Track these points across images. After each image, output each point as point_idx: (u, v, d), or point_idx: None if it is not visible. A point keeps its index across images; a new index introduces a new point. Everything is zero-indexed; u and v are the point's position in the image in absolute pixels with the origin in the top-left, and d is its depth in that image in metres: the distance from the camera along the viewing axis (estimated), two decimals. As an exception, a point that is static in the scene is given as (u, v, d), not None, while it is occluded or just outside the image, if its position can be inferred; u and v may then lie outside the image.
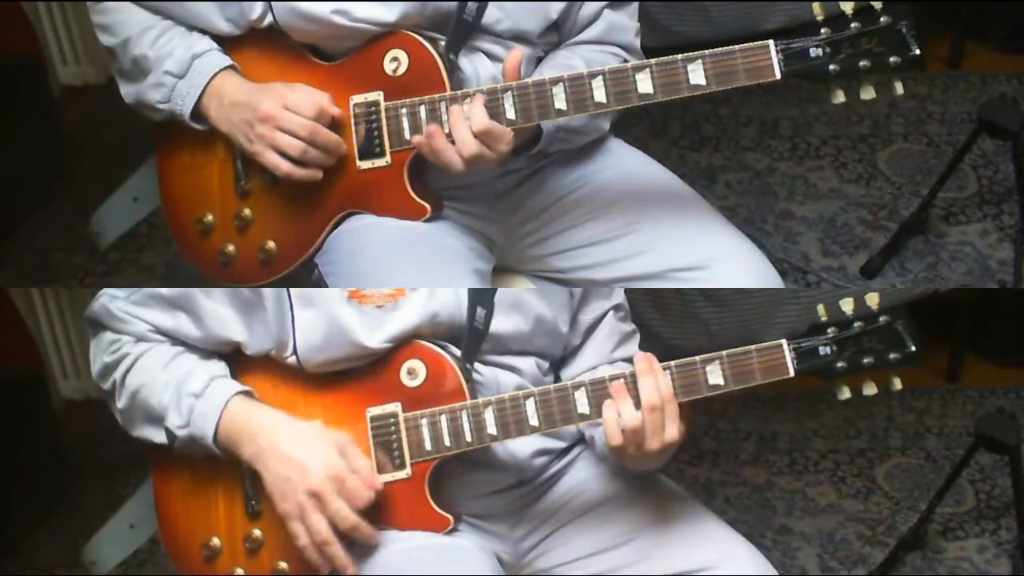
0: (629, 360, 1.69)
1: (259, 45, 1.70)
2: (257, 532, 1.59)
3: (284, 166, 1.64)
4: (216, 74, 1.67)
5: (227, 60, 1.69)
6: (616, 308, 1.71)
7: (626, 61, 1.72)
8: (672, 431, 1.49)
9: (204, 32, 1.70)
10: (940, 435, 2.69)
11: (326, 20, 1.62)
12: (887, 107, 2.88)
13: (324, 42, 1.68)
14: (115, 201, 2.49)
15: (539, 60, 1.74)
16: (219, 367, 1.59)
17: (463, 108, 1.58)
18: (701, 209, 1.78)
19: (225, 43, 1.70)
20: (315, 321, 1.54)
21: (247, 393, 1.57)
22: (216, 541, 1.61)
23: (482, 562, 1.57)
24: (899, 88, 1.54)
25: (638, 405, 1.49)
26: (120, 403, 1.61)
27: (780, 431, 2.73)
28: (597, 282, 1.74)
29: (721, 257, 1.72)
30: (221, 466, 1.59)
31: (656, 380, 1.49)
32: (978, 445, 2.27)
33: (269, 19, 1.66)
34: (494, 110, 1.59)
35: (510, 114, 1.59)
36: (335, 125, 1.65)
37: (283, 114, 1.62)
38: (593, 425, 1.62)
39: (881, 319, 1.50)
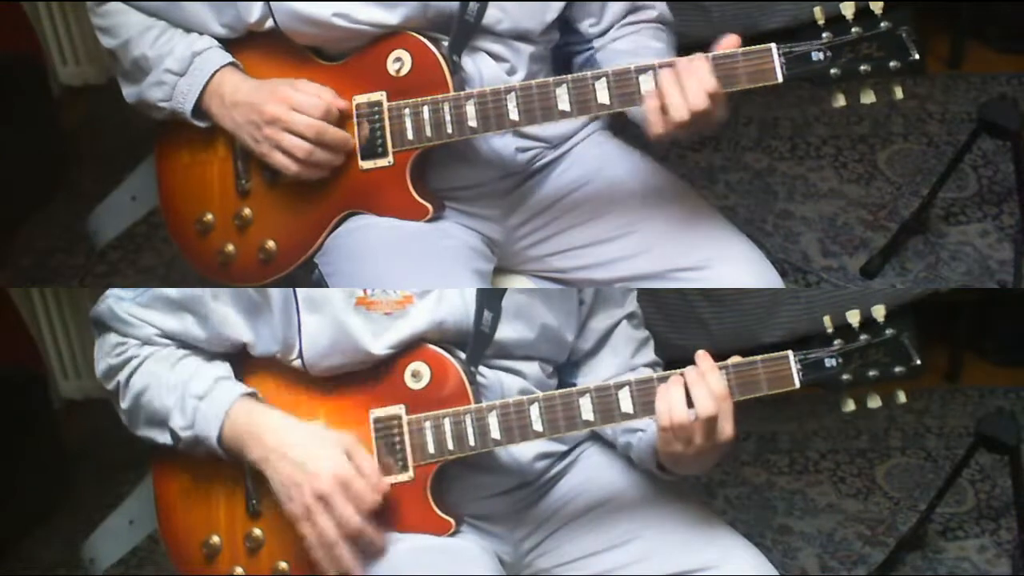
0: (650, 366, 1.69)
1: (262, 45, 1.69)
2: (257, 531, 1.59)
3: (293, 167, 1.64)
4: (217, 71, 1.67)
5: (228, 57, 1.68)
6: (630, 316, 1.71)
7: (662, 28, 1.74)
8: (727, 429, 1.48)
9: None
10: (940, 435, 2.69)
11: (327, 23, 1.62)
12: (887, 107, 2.88)
13: (326, 44, 1.67)
14: (113, 200, 2.47)
15: (542, 58, 1.74)
16: (224, 369, 1.59)
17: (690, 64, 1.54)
18: (701, 209, 1.78)
19: (228, 43, 1.70)
20: (322, 326, 1.54)
21: (252, 395, 1.57)
22: (216, 539, 1.61)
23: (483, 562, 1.57)
24: (899, 92, 1.54)
25: (690, 404, 1.47)
26: (124, 404, 1.61)
27: (780, 431, 2.72)
28: (597, 282, 1.74)
29: (721, 257, 1.71)
30: (222, 464, 1.59)
31: (714, 377, 1.47)
32: (978, 445, 2.27)
33: (269, 23, 1.66)
34: (498, 110, 1.59)
35: (513, 115, 1.59)
36: (341, 120, 1.64)
37: (290, 115, 1.61)
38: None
39: (887, 332, 1.49)
